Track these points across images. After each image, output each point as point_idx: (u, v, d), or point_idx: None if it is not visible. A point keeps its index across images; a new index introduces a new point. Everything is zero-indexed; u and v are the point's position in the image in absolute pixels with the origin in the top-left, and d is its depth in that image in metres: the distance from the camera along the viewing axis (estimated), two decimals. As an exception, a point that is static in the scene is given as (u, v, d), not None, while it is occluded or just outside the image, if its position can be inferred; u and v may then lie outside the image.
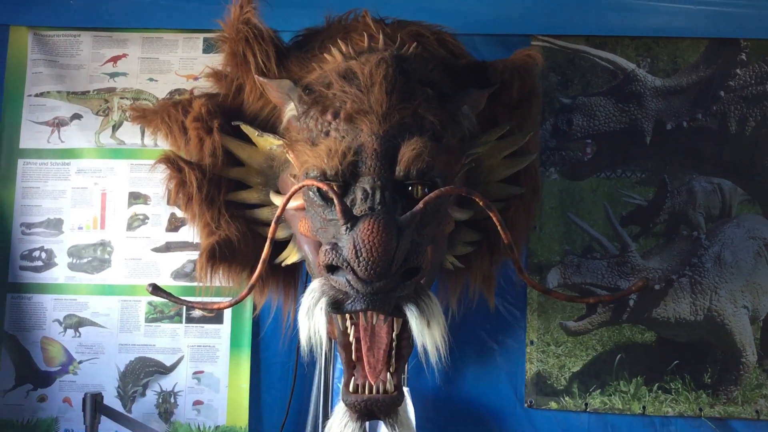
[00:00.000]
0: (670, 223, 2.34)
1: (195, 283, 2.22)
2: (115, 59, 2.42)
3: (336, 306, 1.46)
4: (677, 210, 2.35)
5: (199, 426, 2.28)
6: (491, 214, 1.51)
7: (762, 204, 2.34)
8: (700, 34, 2.40)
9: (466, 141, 1.77)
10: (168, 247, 2.34)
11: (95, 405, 2.11)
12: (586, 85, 2.40)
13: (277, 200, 1.79)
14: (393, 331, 1.55)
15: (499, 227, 1.52)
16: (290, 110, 1.75)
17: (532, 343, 2.31)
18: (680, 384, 2.27)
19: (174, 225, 2.33)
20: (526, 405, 2.29)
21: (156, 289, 1.72)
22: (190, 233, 1.98)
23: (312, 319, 1.48)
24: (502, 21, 2.39)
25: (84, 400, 2.13)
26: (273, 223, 1.58)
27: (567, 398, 2.28)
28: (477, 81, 1.91)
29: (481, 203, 1.51)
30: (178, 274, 2.32)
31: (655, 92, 2.39)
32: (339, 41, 1.79)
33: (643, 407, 2.26)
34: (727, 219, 2.34)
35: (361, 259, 1.37)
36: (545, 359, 2.30)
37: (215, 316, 2.29)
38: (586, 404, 2.28)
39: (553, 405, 2.29)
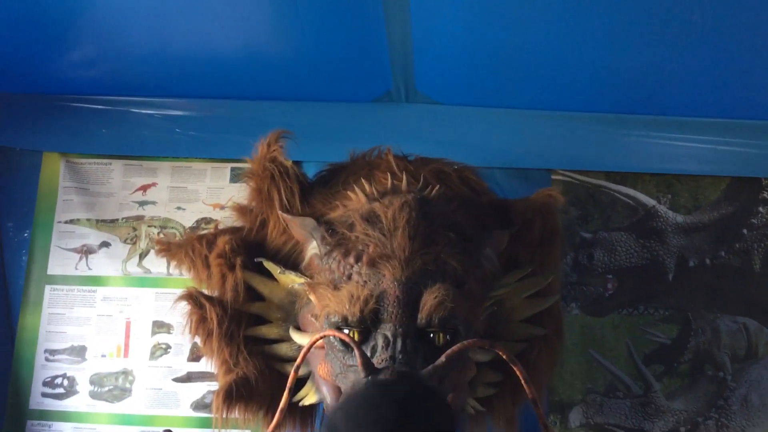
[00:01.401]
0: (694, 362, 2.32)
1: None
2: (144, 188, 2.48)
3: None
4: (702, 349, 2.32)
5: None
6: (515, 369, 1.49)
7: (788, 345, 2.31)
8: (722, 173, 2.42)
9: (488, 283, 1.77)
10: (189, 377, 2.34)
11: None
12: (606, 220, 2.42)
13: (297, 337, 1.79)
14: None
15: (523, 382, 1.49)
16: (313, 248, 1.77)
17: (553, 487, 2.26)
18: None
19: (195, 355, 2.34)
20: None
21: None
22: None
23: None
24: (522, 155, 2.43)
25: None
26: (292, 372, 1.56)
27: None
28: (498, 219, 1.92)
29: (504, 357, 1.49)
30: (198, 405, 2.32)
31: (676, 229, 2.40)
32: (362, 180, 1.82)
33: None
34: (754, 360, 2.31)
35: None
36: (567, 505, 2.25)
37: (233, 453, 2.27)
38: None
39: None
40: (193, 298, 1.85)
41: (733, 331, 2.33)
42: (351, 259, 1.64)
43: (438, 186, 1.83)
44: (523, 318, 1.91)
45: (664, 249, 2.38)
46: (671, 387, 2.30)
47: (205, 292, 1.89)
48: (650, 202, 2.42)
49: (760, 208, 2.39)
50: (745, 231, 2.38)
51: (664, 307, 2.35)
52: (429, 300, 1.55)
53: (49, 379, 2.36)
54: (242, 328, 1.86)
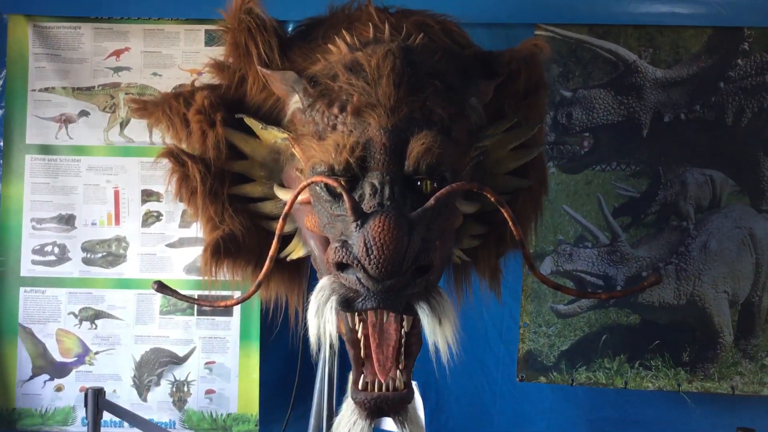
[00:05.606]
0: (660, 213, 2.44)
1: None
2: (117, 53, 2.41)
3: (346, 304, 1.46)
4: (669, 201, 2.44)
5: (211, 413, 2.44)
6: (503, 210, 1.50)
7: (750, 194, 2.43)
8: (704, 23, 2.39)
9: (473, 134, 1.76)
10: (181, 243, 2.43)
11: (96, 400, 2.12)
12: (587, 77, 2.42)
13: (281, 193, 1.79)
14: (402, 327, 1.54)
15: (510, 223, 1.51)
16: (295, 102, 1.72)
17: (525, 325, 2.47)
18: (660, 362, 2.46)
19: (186, 221, 2.40)
20: (518, 379, 2.50)
21: (161, 287, 1.69)
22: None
23: (321, 318, 1.47)
24: (504, 10, 2.38)
25: (86, 395, 2.14)
26: (281, 220, 1.57)
27: (555, 374, 2.48)
28: (483, 71, 1.88)
29: (492, 199, 1.49)
30: (190, 269, 2.42)
31: (655, 84, 2.41)
32: (343, 31, 1.75)
33: (625, 382, 2.47)
34: (716, 209, 2.44)
35: (372, 257, 1.37)
36: (536, 339, 2.48)
37: (225, 310, 2.37)
38: (573, 379, 2.48)
39: (543, 379, 2.49)
40: (173, 155, 1.81)
41: (700, 182, 2.43)
42: (335, 109, 1.60)
43: (422, 35, 1.77)
44: (507, 171, 1.90)
45: (641, 105, 2.42)
46: (637, 236, 2.44)
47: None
48: (631, 56, 2.41)
49: (739, 60, 2.40)
50: (721, 84, 2.41)
51: (636, 163, 2.43)
52: (416, 147, 1.53)
53: (38, 247, 2.43)
54: (226, 187, 1.83)
